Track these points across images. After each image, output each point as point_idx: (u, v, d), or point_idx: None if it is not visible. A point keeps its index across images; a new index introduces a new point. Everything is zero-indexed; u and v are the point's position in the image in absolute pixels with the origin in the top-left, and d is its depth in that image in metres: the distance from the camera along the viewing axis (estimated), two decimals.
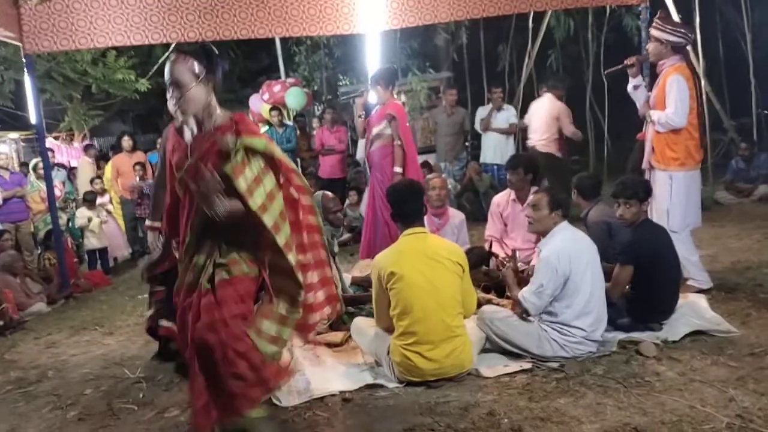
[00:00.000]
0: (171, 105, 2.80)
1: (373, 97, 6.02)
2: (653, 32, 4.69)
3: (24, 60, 6.35)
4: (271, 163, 2.87)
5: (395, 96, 6.06)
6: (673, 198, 4.62)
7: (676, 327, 3.86)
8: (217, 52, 2.95)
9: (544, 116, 7.68)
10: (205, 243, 2.85)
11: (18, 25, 6.06)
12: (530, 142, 7.87)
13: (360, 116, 6.03)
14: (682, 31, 4.67)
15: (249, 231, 2.82)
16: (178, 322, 2.92)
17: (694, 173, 4.70)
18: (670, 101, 4.55)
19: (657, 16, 4.78)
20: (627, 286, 4.01)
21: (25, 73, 6.43)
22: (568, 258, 3.59)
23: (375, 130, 5.79)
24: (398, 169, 5.65)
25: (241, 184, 2.72)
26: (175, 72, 2.78)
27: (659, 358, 3.53)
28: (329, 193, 4.87)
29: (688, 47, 4.87)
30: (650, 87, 5.01)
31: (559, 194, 3.86)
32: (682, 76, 4.56)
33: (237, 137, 2.75)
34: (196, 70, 2.80)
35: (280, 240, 2.80)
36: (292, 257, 2.84)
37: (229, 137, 2.75)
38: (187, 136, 2.86)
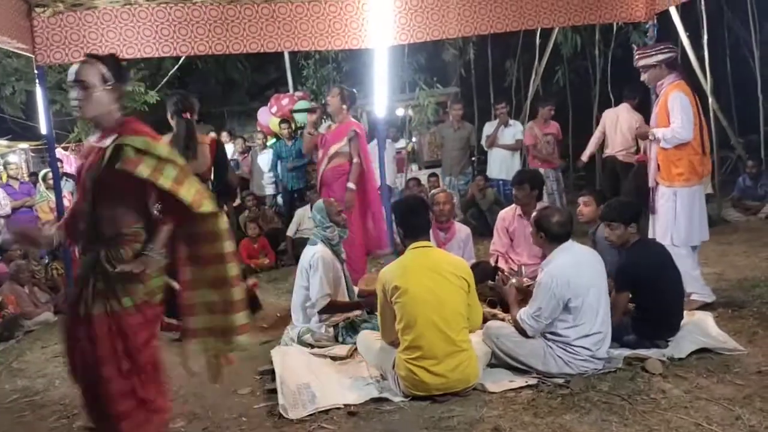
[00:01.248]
0: (72, 104, 2.83)
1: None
2: (641, 63, 4.80)
3: (36, 71, 6.40)
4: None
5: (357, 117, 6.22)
6: (677, 214, 4.66)
7: (682, 344, 3.85)
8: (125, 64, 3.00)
9: (623, 127, 7.70)
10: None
11: (30, 36, 6.11)
12: (608, 152, 7.93)
13: (310, 133, 5.98)
14: (664, 46, 4.82)
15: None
16: None
17: (697, 188, 4.74)
18: (674, 116, 4.61)
19: (635, 51, 4.94)
20: (630, 305, 4.01)
21: (37, 85, 6.48)
22: (567, 282, 3.58)
23: (333, 149, 5.78)
24: (351, 186, 5.70)
25: (143, 171, 2.64)
26: (83, 73, 2.77)
27: (665, 376, 3.52)
28: (328, 198, 4.96)
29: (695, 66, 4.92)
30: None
31: (548, 218, 3.80)
32: (682, 91, 4.65)
33: (117, 136, 2.71)
34: (106, 76, 2.80)
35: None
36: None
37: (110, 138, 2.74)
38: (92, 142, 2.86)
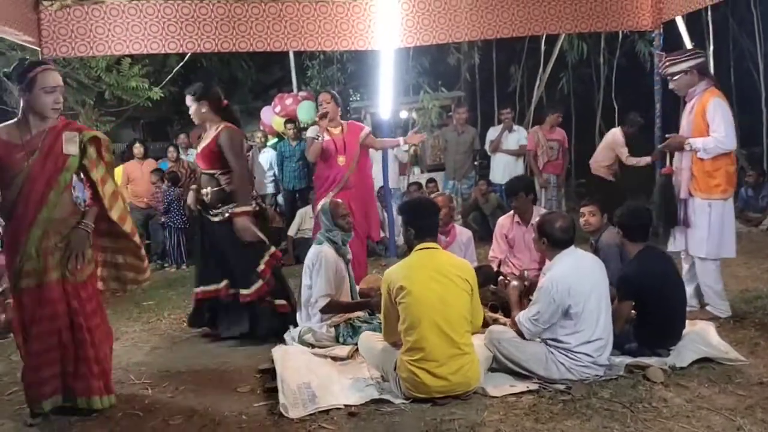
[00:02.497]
0: (58, 107, 3.40)
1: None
2: (671, 70, 4.64)
3: None
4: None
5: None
6: (711, 226, 4.55)
7: (683, 353, 3.84)
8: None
9: (602, 145, 8.31)
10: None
11: (37, 29, 6.10)
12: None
13: (316, 139, 5.75)
14: (693, 51, 4.70)
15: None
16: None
17: (730, 200, 4.63)
18: (716, 125, 4.45)
19: (663, 58, 4.78)
20: (632, 313, 4.00)
21: None
22: (568, 288, 3.57)
23: (356, 153, 5.78)
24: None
25: (96, 174, 3.49)
26: (61, 80, 3.45)
27: (666, 384, 3.52)
28: (337, 200, 4.93)
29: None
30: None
31: (550, 223, 3.80)
32: (720, 98, 4.51)
33: (79, 133, 3.44)
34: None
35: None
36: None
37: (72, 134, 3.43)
38: (26, 134, 3.37)
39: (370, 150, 6.29)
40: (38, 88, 3.32)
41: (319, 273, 4.45)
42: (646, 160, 7.52)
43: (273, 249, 4.86)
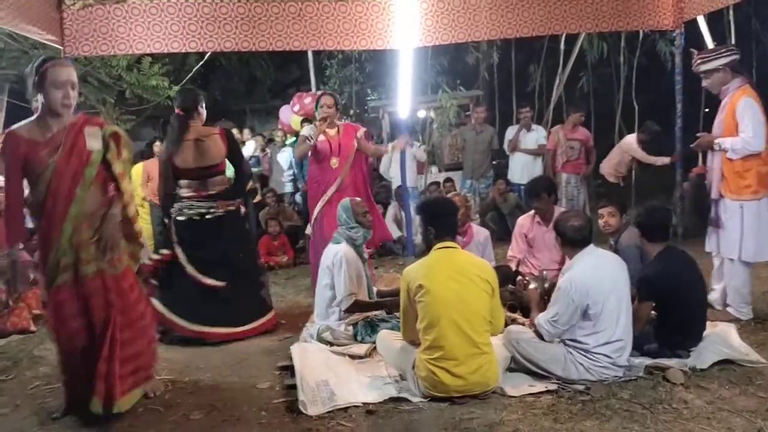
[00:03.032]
0: (69, 102, 3.38)
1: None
2: (703, 68, 4.59)
3: None
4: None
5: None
6: (744, 228, 4.48)
7: (704, 355, 3.82)
8: None
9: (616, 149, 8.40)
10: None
11: (60, 28, 6.18)
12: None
13: (310, 139, 5.69)
14: (726, 48, 4.61)
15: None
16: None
17: (765, 201, 4.52)
18: (745, 125, 4.39)
19: (695, 56, 4.71)
20: (652, 314, 3.98)
21: None
22: (587, 289, 3.56)
23: (351, 154, 5.71)
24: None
25: (117, 168, 3.52)
26: (74, 75, 3.42)
27: (687, 386, 3.50)
28: (356, 198, 4.93)
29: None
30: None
31: (565, 222, 3.80)
32: (751, 97, 4.43)
33: (100, 128, 3.48)
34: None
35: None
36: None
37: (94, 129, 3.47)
38: (47, 132, 3.38)
39: (390, 149, 6.28)
40: (48, 84, 3.32)
41: (340, 273, 4.46)
42: (664, 160, 7.48)
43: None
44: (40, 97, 3.38)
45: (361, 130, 5.91)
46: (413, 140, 8.94)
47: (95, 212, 3.45)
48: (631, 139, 8.13)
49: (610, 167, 8.34)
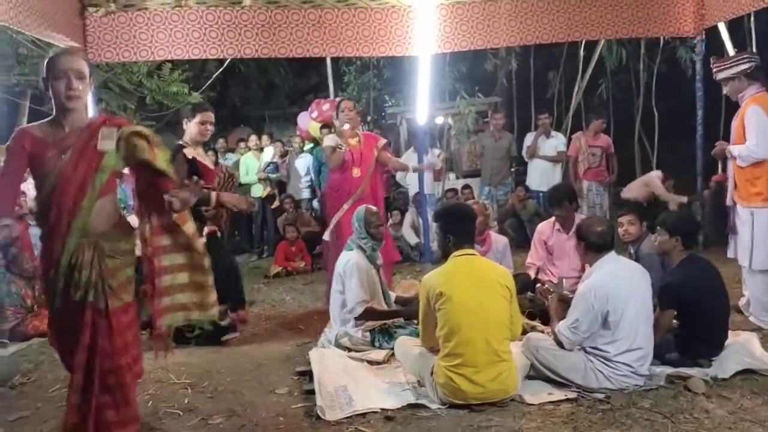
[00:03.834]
0: (73, 94, 2.88)
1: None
2: (719, 76, 4.64)
3: None
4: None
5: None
6: (755, 235, 4.47)
7: (726, 364, 3.77)
8: None
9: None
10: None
11: (83, 35, 6.28)
12: None
13: (340, 147, 5.59)
14: (742, 56, 4.62)
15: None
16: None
17: None
18: (750, 133, 4.44)
19: (711, 63, 4.76)
20: (673, 322, 3.94)
21: None
22: (606, 295, 3.54)
23: (372, 164, 5.65)
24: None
25: (160, 164, 2.99)
26: (80, 63, 2.92)
27: (708, 395, 3.46)
28: (372, 207, 4.86)
29: None
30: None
31: (588, 227, 3.79)
32: (759, 106, 4.45)
33: (117, 128, 2.97)
34: (90, 71, 2.99)
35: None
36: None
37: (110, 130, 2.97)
38: (59, 132, 2.94)
39: (408, 154, 6.28)
40: (51, 77, 2.90)
41: (351, 280, 4.46)
42: (682, 199, 7.46)
43: None
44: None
45: (382, 142, 5.87)
46: (429, 147, 8.92)
47: (107, 232, 2.94)
48: (655, 176, 7.98)
49: (631, 195, 8.18)
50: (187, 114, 5.00)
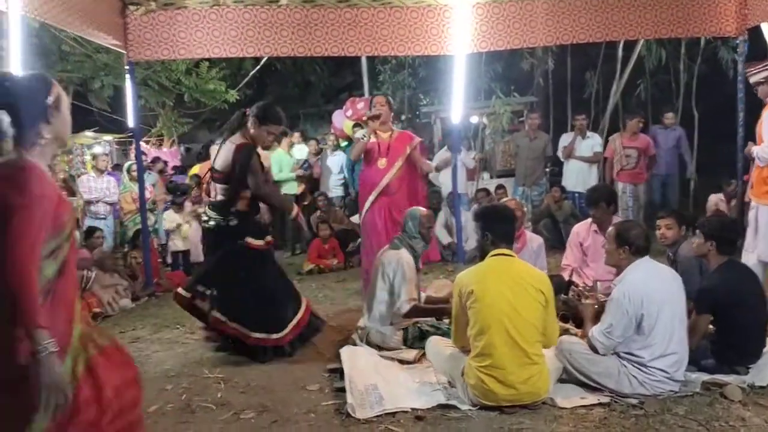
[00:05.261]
0: None
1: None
2: (751, 80, 4.88)
3: (126, 67, 6.67)
4: None
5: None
6: (759, 230, 4.62)
7: (763, 372, 3.69)
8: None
9: None
10: None
11: (123, 34, 6.39)
12: None
13: (363, 138, 5.71)
14: None
15: None
16: None
17: None
18: (765, 135, 4.65)
19: (744, 67, 5.09)
20: (710, 328, 3.87)
21: (127, 80, 6.75)
22: (640, 299, 3.49)
23: (400, 159, 5.69)
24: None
25: None
26: None
27: (745, 403, 3.39)
28: (427, 210, 4.88)
29: None
30: None
31: (629, 230, 3.73)
32: None
33: None
34: None
35: None
36: None
37: None
38: None
39: (441, 153, 6.25)
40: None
41: (404, 278, 4.44)
42: None
43: None
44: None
45: (416, 140, 5.90)
46: (462, 146, 8.87)
47: None
48: (716, 199, 7.97)
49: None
50: (259, 114, 4.56)
